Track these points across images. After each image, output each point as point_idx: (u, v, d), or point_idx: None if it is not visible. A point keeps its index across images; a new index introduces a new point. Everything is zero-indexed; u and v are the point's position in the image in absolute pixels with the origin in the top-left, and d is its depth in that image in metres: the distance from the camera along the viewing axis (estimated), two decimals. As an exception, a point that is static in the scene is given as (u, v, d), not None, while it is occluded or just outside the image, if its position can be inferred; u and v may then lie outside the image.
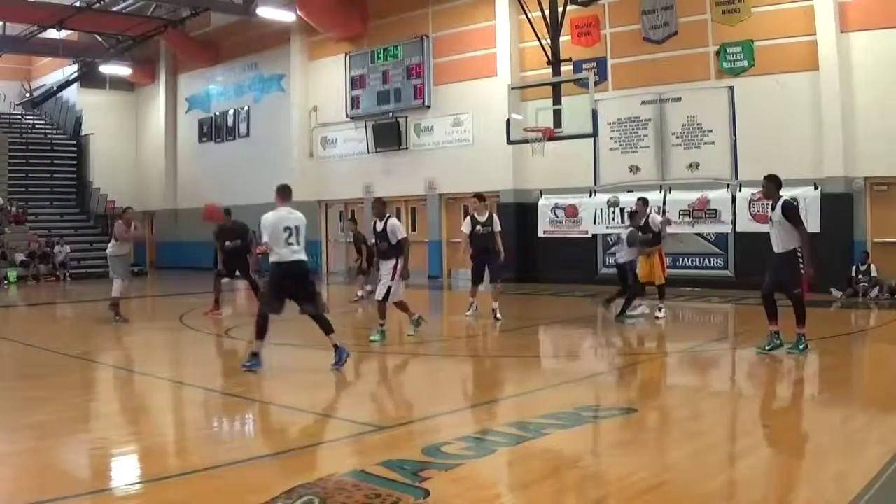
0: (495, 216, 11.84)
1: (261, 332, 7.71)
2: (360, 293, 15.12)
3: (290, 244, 7.63)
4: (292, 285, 7.75)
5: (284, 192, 7.99)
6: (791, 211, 7.99)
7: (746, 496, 4.19)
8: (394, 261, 9.52)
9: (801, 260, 7.91)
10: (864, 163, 14.27)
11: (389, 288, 9.54)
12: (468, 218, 11.87)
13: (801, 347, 8.02)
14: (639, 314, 11.48)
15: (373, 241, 10.08)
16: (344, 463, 4.74)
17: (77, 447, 5.38)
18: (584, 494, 4.29)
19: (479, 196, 12.03)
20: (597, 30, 17.52)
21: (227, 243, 12.70)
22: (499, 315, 11.40)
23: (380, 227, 9.67)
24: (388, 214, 9.86)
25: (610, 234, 16.94)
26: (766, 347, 8.14)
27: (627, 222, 12.26)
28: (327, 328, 7.81)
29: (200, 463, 4.83)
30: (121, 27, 23.81)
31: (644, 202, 11.65)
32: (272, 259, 7.72)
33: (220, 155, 26.55)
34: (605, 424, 5.77)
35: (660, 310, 11.44)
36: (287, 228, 7.64)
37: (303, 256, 7.75)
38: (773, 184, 8.20)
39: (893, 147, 13.82)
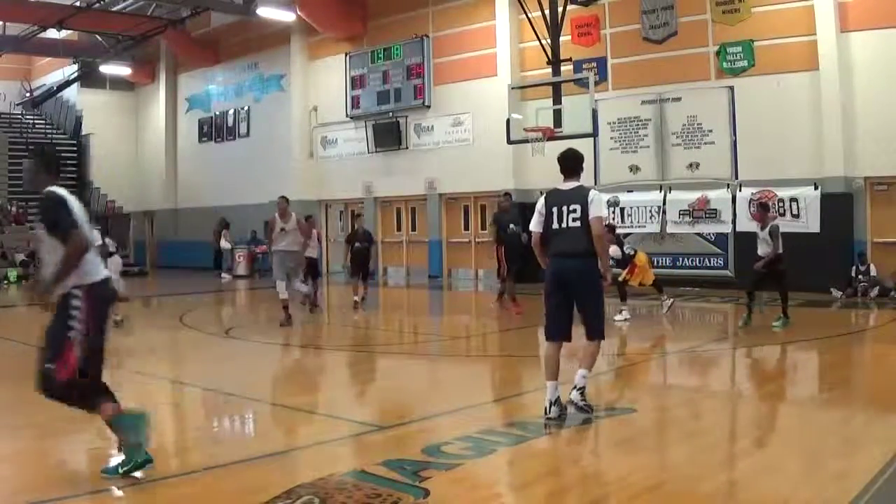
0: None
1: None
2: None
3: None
4: None
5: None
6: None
7: (746, 496, 4.19)
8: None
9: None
10: (864, 163, 14.26)
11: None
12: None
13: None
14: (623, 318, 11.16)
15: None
16: (344, 463, 4.74)
17: (77, 447, 5.38)
18: (584, 494, 4.29)
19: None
20: (597, 30, 17.52)
21: (512, 227, 12.59)
22: None
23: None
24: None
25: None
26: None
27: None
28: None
29: (200, 463, 4.84)
30: (121, 27, 23.80)
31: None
32: None
33: (220, 155, 26.54)
34: (605, 424, 5.76)
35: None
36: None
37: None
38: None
39: (893, 147, 13.82)
